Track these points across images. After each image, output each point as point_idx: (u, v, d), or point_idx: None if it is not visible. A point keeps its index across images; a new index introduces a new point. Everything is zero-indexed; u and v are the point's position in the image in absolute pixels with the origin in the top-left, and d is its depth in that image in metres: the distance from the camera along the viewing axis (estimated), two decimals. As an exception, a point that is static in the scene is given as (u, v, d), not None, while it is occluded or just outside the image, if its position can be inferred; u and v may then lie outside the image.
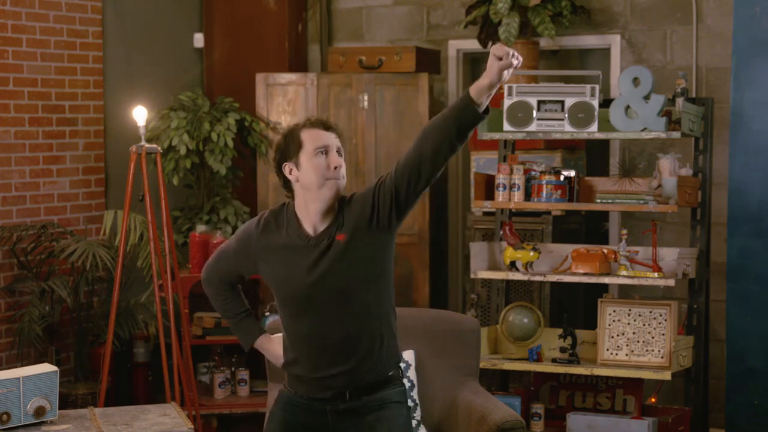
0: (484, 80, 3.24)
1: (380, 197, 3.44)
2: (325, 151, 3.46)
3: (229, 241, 3.76)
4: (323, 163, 3.45)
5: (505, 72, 3.21)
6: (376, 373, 3.52)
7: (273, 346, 3.75)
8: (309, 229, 3.50)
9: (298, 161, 3.47)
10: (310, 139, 3.47)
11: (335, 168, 3.45)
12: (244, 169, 6.79)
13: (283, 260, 3.52)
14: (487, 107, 3.29)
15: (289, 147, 3.50)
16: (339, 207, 3.49)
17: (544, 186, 5.40)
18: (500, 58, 3.20)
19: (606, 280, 5.34)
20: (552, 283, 6.02)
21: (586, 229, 6.48)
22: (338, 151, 3.49)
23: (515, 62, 3.22)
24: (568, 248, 5.52)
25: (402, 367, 3.64)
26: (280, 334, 3.69)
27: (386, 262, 3.52)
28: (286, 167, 3.51)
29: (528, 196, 5.47)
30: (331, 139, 3.49)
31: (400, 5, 7.08)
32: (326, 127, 3.50)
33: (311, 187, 3.46)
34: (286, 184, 3.54)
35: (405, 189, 3.42)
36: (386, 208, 3.43)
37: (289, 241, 3.51)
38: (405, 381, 3.69)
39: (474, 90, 3.26)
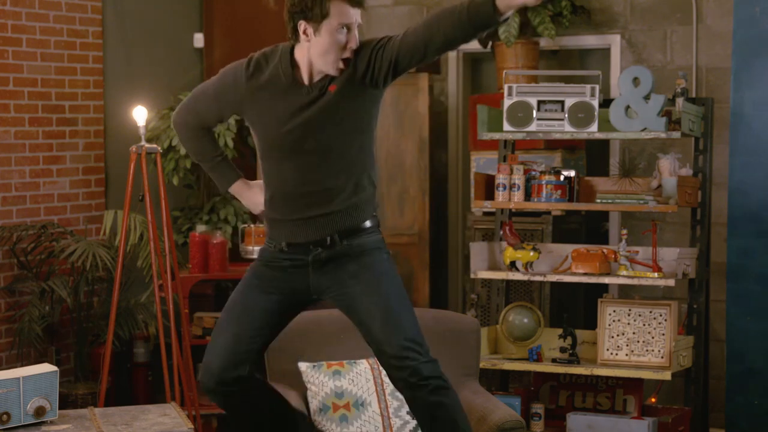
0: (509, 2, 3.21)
1: (378, 58, 3.44)
2: (347, 27, 3.45)
3: (208, 81, 3.72)
4: (342, 39, 3.45)
5: None
6: (355, 219, 3.55)
7: (250, 191, 3.76)
8: (305, 77, 3.50)
9: (319, 28, 3.45)
10: (338, 13, 3.44)
11: (351, 49, 3.46)
12: (244, 169, 6.75)
13: (270, 103, 3.52)
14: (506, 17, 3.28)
15: (314, 8, 3.45)
16: None
17: (544, 186, 5.40)
18: None
19: (606, 280, 5.34)
20: (552, 283, 6.02)
21: (586, 229, 6.48)
22: (357, 26, 3.48)
23: None
24: (568, 248, 5.52)
25: (378, 218, 3.66)
26: (258, 181, 3.68)
27: (372, 116, 3.55)
28: (302, 25, 3.47)
29: (528, 196, 5.47)
30: (356, 16, 3.48)
31: (400, 5, 7.08)
32: (356, 2, 3.48)
33: (321, 54, 3.46)
34: (294, 31, 3.50)
35: (407, 61, 3.42)
36: (382, 70, 3.44)
37: (281, 84, 3.51)
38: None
39: (503, 3, 3.23)
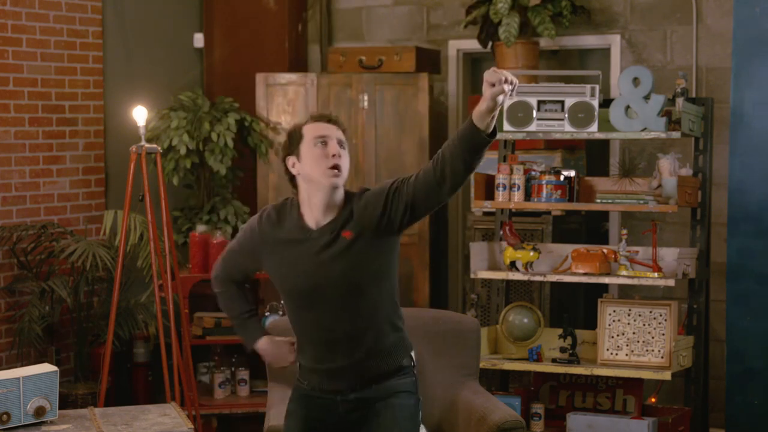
0: (481, 105, 3.23)
1: (393, 203, 3.44)
2: (324, 141, 3.49)
3: (235, 238, 3.79)
4: (322, 152, 3.47)
5: (500, 97, 3.18)
6: (384, 365, 3.56)
7: (275, 347, 3.75)
8: (311, 222, 3.52)
9: (299, 153, 3.51)
10: (310, 130, 3.52)
11: (333, 156, 3.46)
12: (244, 169, 6.80)
13: (284, 254, 3.55)
14: (494, 129, 3.27)
15: (292, 141, 3.55)
16: (345, 202, 3.51)
17: (544, 186, 5.40)
18: (492, 84, 3.18)
19: (606, 280, 5.34)
20: (552, 283, 6.02)
21: (586, 229, 6.48)
22: (339, 143, 3.50)
23: (507, 88, 3.19)
24: (568, 248, 5.52)
25: (414, 359, 3.66)
26: (283, 339, 3.71)
27: (391, 262, 3.55)
28: (289, 161, 3.54)
29: (528, 196, 5.47)
30: (332, 131, 3.52)
31: (400, 5, 7.08)
32: (328, 120, 3.54)
33: (312, 177, 3.48)
34: (292, 180, 3.57)
35: (423, 203, 3.42)
36: (398, 214, 3.44)
37: (291, 234, 3.54)
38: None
39: (475, 116, 3.25)
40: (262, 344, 3.77)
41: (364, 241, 3.46)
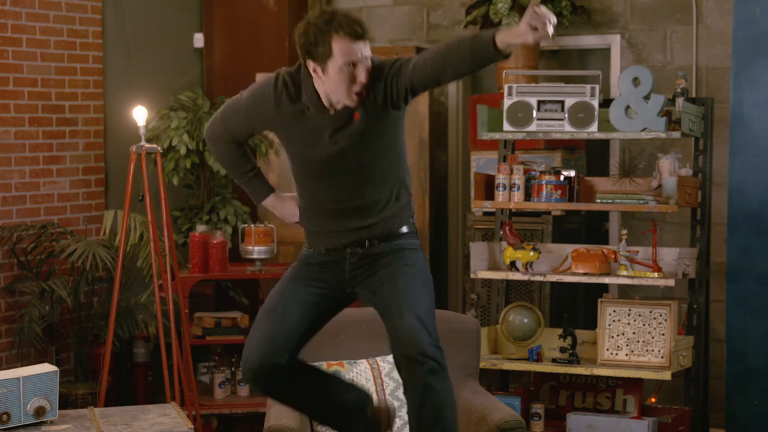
0: (515, 39, 3.26)
1: (393, 85, 3.50)
2: (353, 64, 3.48)
3: (238, 96, 3.75)
4: (349, 77, 3.48)
5: (541, 32, 3.23)
6: (391, 227, 3.67)
7: (284, 204, 3.81)
8: (326, 104, 3.56)
9: (325, 67, 3.49)
10: (341, 50, 3.46)
11: (360, 83, 3.49)
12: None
13: (299, 126, 3.59)
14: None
15: (318, 48, 3.48)
16: None
17: (544, 186, 5.40)
18: (535, 29, 3.21)
19: (606, 280, 5.34)
20: (552, 283, 6.02)
21: (586, 229, 6.48)
22: (365, 60, 3.50)
23: (550, 31, 3.24)
24: (568, 248, 5.52)
25: (415, 225, 3.78)
26: (291, 194, 3.75)
27: (398, 133, 3.64)
28: (311, 65, 3.52)
29: (528, 196, 5.47)
30: (361, 50, 3.49)
31: (400, 5, 7.08)
32: (358, 35, 3.48)
33: (333, 90, 3.50)
34: (307, 69, 3.55)
35: (422, 87, 3.49)
36: (400, 95, 3.50)
37: (308, 110, 3.57)
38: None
39: (502, 42, 3.27)
40: (270, 201, 3.83)
41: (372, 118, 3.53)
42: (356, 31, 3.47)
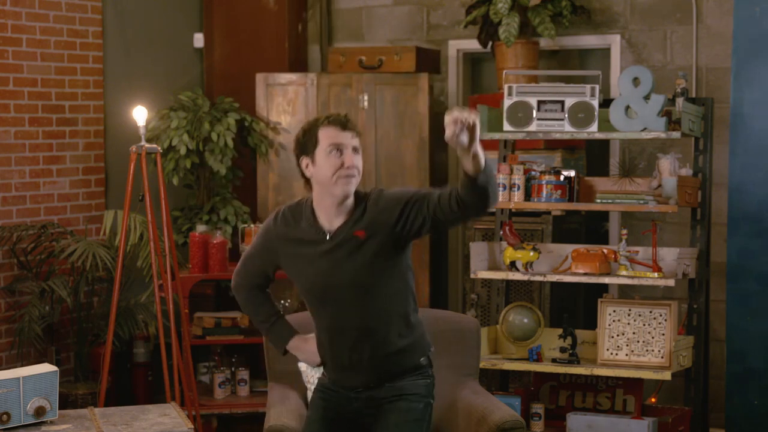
0: (458, 152, 3.27)
1: (412, 213, 3.51)
2: (339, 149, 3.54)
3: (251, 244, 3.86)
4: (337, 161, 3.54)
5: (462, 138, 3.20)
6: (397, 365, 3.63)
7: (307, 345, 3.82)
8: (325, 223, 3.60)
9: (314, 157, 3.57)
10: (326, 137, 3.56)
11: (347, 167, 3.53)
12: (244, 169, 6.80)
13: (299, 254, 3.63)
14: (486, 163, 3.30)
15: (307, 143, 3.59)
16: (357, 203, 3.59)
17: (544, 186, 5.40)
18: (450, 125, 3.19)
19: (606, 280, 5.34)
20: (552, 283, 6.02)
21: (586, 229, 6.48)
22: (354, 150, 3.56)
23: (457, 128, 3.18)
24: (568, 248, 5.52)
25: (431, 359, 3.72)
26: (312, 335, 3.76)
27: (403, 262, 3.63)
28: (303, 161, 3.61)
29: (528, 196, 5.47)
30: (347, 138, 3.57)
31: (400, 5, 7.08)
32: (343, 126, 3.58)
33: (324, 183, 3.56)
34: (306, 178, 3.63)
35: (444, 222, 3.50)
36: (414, 226, 3.52)
37: (306, 234, 3.62)
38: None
39: (464, 169, 3.30)
40: (294, 344, 3.84)
41: (376, 241, 3.55)
42: (341, 120, 3.58)
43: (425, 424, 3.68)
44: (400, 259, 3.61)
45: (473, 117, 3.20)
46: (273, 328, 3.87)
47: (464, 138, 3.20)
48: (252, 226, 6.14)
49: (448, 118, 3.20)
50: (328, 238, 3.58)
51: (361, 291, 3.57)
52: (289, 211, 3.70)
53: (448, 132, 3.20)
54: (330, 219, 3.59)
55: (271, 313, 3.87)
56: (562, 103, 5.32)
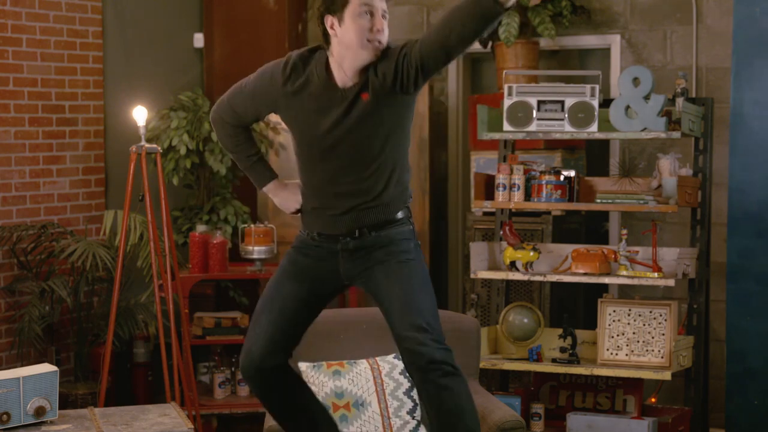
0: None
1: (404, 67, 3.47)
2: (370, 12, 3.48)
3: (246, 79, 3.75)
4: (366, 24, 3.48)
5: None
6: (384, 214, 3.64)
7: (285, 191, 3.79)
8: (339, 81, 3.55)
9: (342, 17, 3.49)
10: None
11: (377, 31, 3.47)
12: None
13: (306, 107, 3.58)
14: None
15: (335, 1, 3.50)
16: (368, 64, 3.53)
17: (544, 186, 5.40)
18: None
19: (606, 280, 5.34)
20: (552, 283, 6.02)
21: (586, 229, 6.48)
22: (383, 14, 3.50)
23: None
24: (568, 248, 5.52)
25: (409, 209, 3.73)
26: (294, 181, 3.74)
27: (406, 119, 3.61)
28: (328, 20, 3.53)
29: (528, 196, 5.47)
30: (378, 2, 3.49)
31: (400, 5, 7.08)
32: None
33: (350, 46, 3.49)
34: (325, 35, 3.55)
35: (432, 64, 3.45)
36: (410, 77, 3.48)
37: (317, 89, 3.56)
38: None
39: None
40: (272, 186, 3.82)
41: (380, 101, 3.51)
42: None
43: (423, 262, 3.70)
44: (404, 115, 3.58)
45: None
46: (254, 166, 3.82)
47: None
48: (252, 226, 6.14)
49: None
50: (340, 96, 3.51)
51: (363, 149, 3.55)
52: (301, 62, 3.60)
53: None
54: (344, 79, 3.53)
55: (252, 152, 3.81)
56: (562, 103, 5.32)
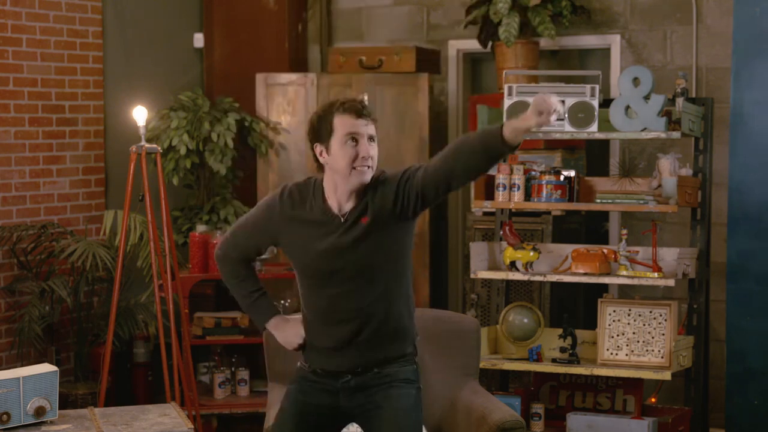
0: (521, 124, 3.27)
1: (405, 192, 3.49)
2: (354, 138, 3.49)
3: (246, 215, 3.76)
4: (352, 151, 3.49)
5: (550, 118, 3.26)
6: (387, 350, 3.59)
7: (287, 327, 3.75)
8: (334, 207, 3.56)
9: (329, 146, 3.51)
10: (341, 125, 3.50)
11: (363, 158, 3.49)
12: (244, 169, 6.80)
13: (305, 235, 3.57)
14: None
15: (321, 130, 3.53)
16: (366, 188, 3.54)
17: (544, 186, 5.40)
18: (540, 113, 3.23)
19: (606, 280, 5.34)
20: (552, 283, 6.02)
21: (586, 229, 6.48)
22: (370, 139, 3.52)
23: (554, 118, 3.27)
24: (568, 248, 5.52)
25: (416, 348, 3.68)
26: (297, 316, 3.71)
27: (406, 246, 3.59)
28: (317, 148, 3.55)
29: (528, 196, 5.47)
30: (362, 127, 3.51)
31: (400, 5, 7.08)
32: (359, 113, 3.51)
33: (339, 172, 3.51)
34: (317, 159, 3.57)
35: (433, 194, 3.48)
36: (411, 203, 3.49)
37: (313, 216, 3.56)
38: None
39: (510, 131, 3.27)
40: (274, 323, 3.77)
41: (380, 225, 3.51)
42: (357, 108, 3.52)
43: (420, 411, 3.65)
44: (404, 241, 3.57)
45: (560, 107, 3.29)
46: (255, 304, 3.78)
47: (543, 119, 3.25)
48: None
49: (543, 105, 3.23)
50: (337, 222, 3.53)
51: (364, 274, 3.53)
52: (297, 190, 3.62)
53: (542, 111, 3.23)
54: (340, 203, 3.54)
55: (254, 289, 3.78)
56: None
